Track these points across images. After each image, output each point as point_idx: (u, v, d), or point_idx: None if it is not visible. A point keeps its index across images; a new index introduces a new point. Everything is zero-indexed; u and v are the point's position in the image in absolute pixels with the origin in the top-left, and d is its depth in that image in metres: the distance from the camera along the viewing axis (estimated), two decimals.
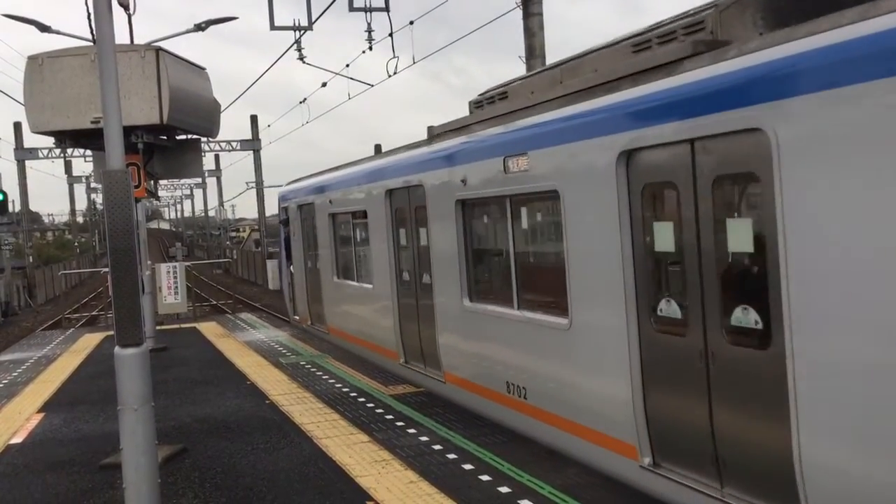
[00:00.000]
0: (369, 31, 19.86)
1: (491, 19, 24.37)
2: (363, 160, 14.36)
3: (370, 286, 13.38)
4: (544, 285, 8.76)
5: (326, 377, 12.99)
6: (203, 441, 9.59)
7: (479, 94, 10.39)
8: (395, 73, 19.65)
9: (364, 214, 13.44)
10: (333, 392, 11.82)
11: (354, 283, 14.55)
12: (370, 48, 20.34)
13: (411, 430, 9.44)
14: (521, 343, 8.80)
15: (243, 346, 17.19)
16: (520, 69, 17.31)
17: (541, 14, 17.20)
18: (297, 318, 19.34)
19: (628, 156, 6.77)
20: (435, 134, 11.04)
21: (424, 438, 9.08)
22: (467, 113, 10.75)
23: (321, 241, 16.27)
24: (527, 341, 8.67)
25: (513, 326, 8.96)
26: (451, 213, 10.00)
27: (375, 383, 12.21)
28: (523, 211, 8.92)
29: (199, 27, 19.87)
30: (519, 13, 17.03)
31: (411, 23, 18.76)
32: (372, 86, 24.13)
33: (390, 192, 12.10)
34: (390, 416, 10.16)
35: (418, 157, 11.16)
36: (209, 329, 20.35)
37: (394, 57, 19.05)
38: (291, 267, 19.22)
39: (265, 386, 12.58)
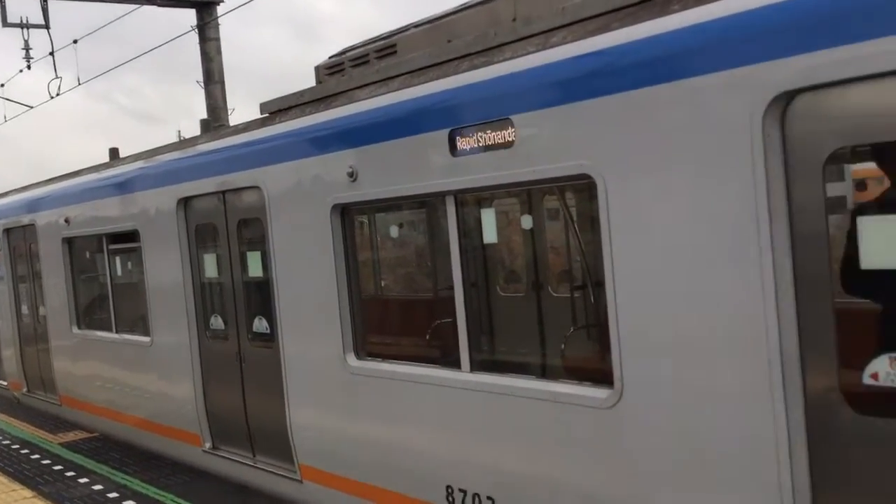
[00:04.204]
0: (27, 48, 18.35)
1: (165, 41, 23.59)
2: (126, 159, 10.79)
3: (145, 339, 9.72)
4: None
5: None
6: None
7: (331, 57, 7.71)
8: (58, 94, 18.35)
9: (133, 236, 9.85)
10: None
11: (113, 336, 10.67)
12: (28, 67, 18.80)
13: (83, 480, 8.78)
14: None
15: None
16: (199, 93, 16.87)
17: (218, 39, 16.94)
18: (2, 382, 14.95)
19: None
20: (275, 110, 7.77)
21: (98, 487, 8.48)
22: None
23: (48, 275, 12.29)
24: None
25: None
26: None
27: (42, 432, 11.20)
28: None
29: None
30: (196, 35, 16.62)
31: (75, 41, 17.63)
32: (31, 107, 22.26)
33: (185, 202, 8.82)
34: (59, 467, 9.36)
35: (247, 145, 7.76)
36: None
37: (56, 77, 17.76)
38: None
39: None
